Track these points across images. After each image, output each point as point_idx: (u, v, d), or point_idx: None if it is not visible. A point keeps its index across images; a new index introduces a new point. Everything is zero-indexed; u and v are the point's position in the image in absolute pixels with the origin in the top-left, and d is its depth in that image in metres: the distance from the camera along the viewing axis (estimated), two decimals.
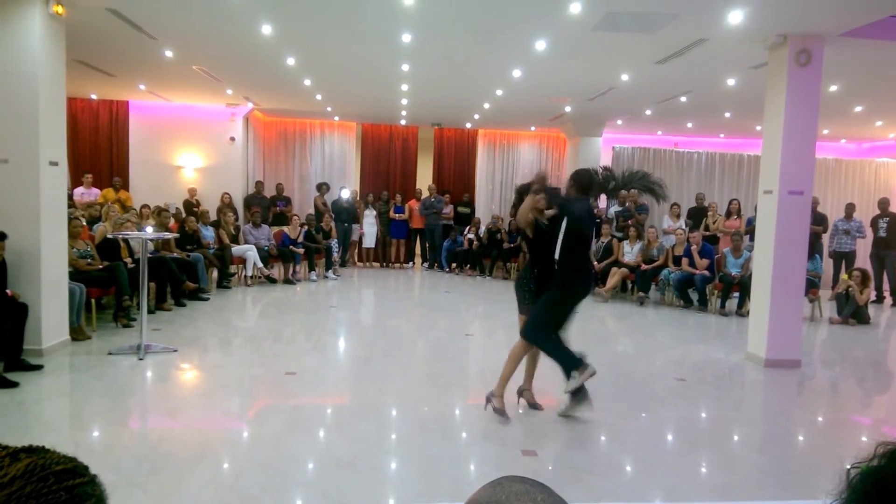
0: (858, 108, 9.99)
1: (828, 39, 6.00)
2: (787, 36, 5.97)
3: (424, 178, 14.70)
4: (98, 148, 12.29)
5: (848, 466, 0.82)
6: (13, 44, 5.41)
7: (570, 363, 4.35)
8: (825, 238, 10.89)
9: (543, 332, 4.39)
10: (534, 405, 4.65)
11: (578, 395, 4.36)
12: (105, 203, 10.06)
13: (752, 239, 9.08)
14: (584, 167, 4.76)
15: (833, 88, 8.39)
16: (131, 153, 12.28)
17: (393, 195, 13.51)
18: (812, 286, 8.64)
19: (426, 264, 13.58)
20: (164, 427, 4.19)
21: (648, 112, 11.03)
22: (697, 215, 11.35)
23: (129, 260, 7.40)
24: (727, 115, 11.08)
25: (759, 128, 11.87)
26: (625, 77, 8.35)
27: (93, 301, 6.61)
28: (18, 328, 5.13)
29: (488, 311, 9.09)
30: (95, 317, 6.74)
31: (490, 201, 14.61)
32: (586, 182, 4.56)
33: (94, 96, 11.95)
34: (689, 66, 7.48)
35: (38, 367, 5.16)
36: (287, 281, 10.62)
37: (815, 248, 9.23)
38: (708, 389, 5.46)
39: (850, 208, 10.97)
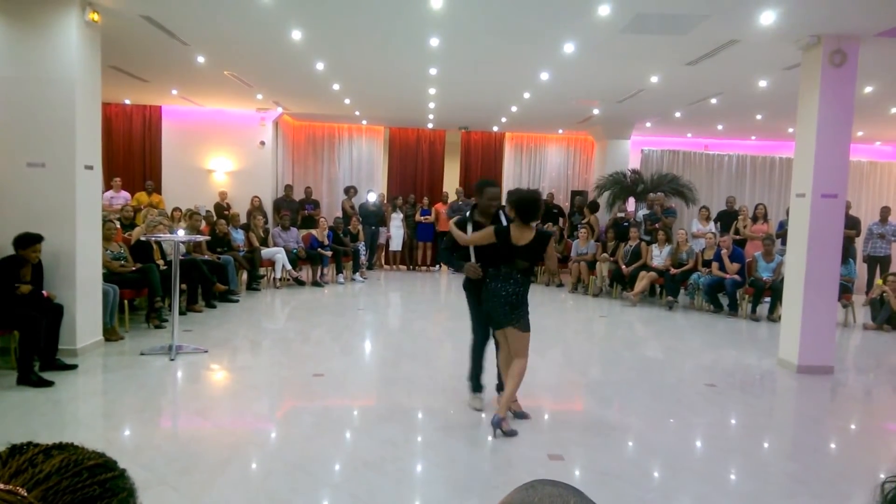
0: (895, 110, 9.76)
1: (863, 39, 5.87)
2: (821, 36, 5.86)
3: (451, 182, 14.71)
4: (131, 152, 12.54)
5: (882, 479, 0.80)
6: (51, 51, 5.55)
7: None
8: (859, 242, 10.65)
9: None
10: (520, 414, 4.49)
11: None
12: (138, 206, 10.28)
13: (783, 243, 8.92)
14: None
15: (868, 90, 8.21)
16: (164, 157, 12.52)
17: (420, 198, 13.55)
18: (845, 291, 8.45)
19: (452, 268, 13.57)
20: (195, 427, 4.25)
21: (678, 114, 10.90)
22: (727, 219, 11.17)
23: (161, 262, 7.54)
24: (759, 117, 10.90)
25: (791, 130, 11.66)
26: (654, 79, 8.27)
27: (126, 302, 6.74)
28: (54, 328, 5.26)
29: None
30: (128, 318, 6.88)
31: None
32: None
33: (127, 101, 12.20)
34: (720, 67, 7.38)
35: (73, 367, 5.28)
36: (315, 283, 10.70)
37: (848, 252, 9.02)
38: (739, 395, 5.37)
39: (885, 212, 10.71)
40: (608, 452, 3.98)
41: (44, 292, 5.39)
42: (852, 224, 9.92)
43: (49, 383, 4.82)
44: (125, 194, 11.09)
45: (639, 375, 5.84)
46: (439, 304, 10.21)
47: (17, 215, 5.53)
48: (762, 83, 8.20)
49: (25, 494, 0.60)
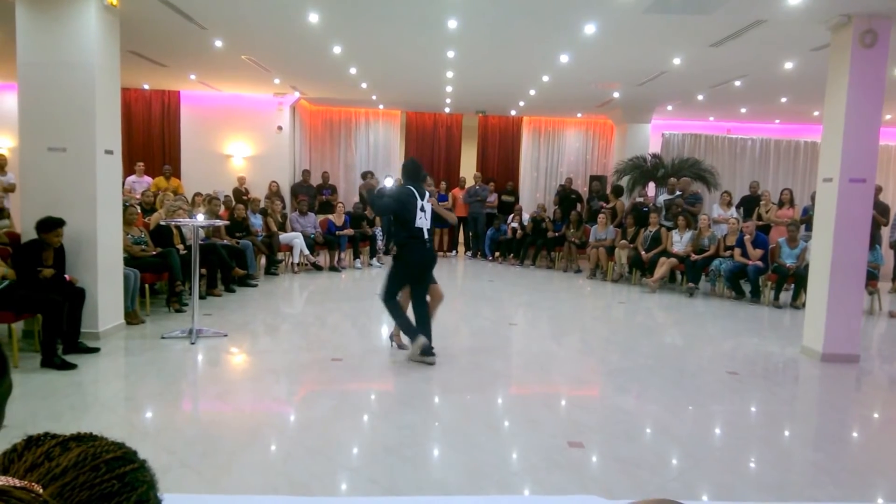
0: None
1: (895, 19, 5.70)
2: (852, 16, 5.69)
3: (468, 167, 14.65)
4: (150, 137, 12.64)
5: None
6: (70, 36, 5.57)
7: (408, 328, 5.45)
8: (885, 228, 10.42)
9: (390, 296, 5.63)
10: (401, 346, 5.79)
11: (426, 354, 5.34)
12: (158, 191, 10.34)
13: (808, 229, 8.75)
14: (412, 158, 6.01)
15: None
16: (182, 142, 12.60)
17: (437, 183, 13.49)
18: (871, 278, 8.29)
19: (469, 253, 13.55)
20: (215, 410, 4.28)
21: (700, 97, 10.72)
22: (749, 204, 10.99)
23: (181, 246, 7.59)
24: (783, 99, 10.69)
25: (816, 113, 11.44)
26: (676, 61, 8.12)
27: (146, 286, 6.81)
28: (76, 312, 5.32)
29: (532, 301, 9.02)
30: (149, 301, 6.94)
31: (534, 189, 14.47)
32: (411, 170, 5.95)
33: (146, 86, 12.26)
34: (745, 48, 7.23)
35: (95, 350, 5.34)
36: (332, 268, 10.74)
37: (874, 238, 8.84)
38: (761, 384, 5.30)
39: None
40: (628, 440, 3.94)
41: (66, 276, 5.44)
42: (882, 210, 9.72)
43: (72, 366, 4.88)
44: (148, 179, 11.18)
45: (658, 362, 5.78)
46: (455, 289, 10.17)
47: (39, 200, 5.59)
48: (788, 65, 8.02)
49: (41, 491, 0.57)
